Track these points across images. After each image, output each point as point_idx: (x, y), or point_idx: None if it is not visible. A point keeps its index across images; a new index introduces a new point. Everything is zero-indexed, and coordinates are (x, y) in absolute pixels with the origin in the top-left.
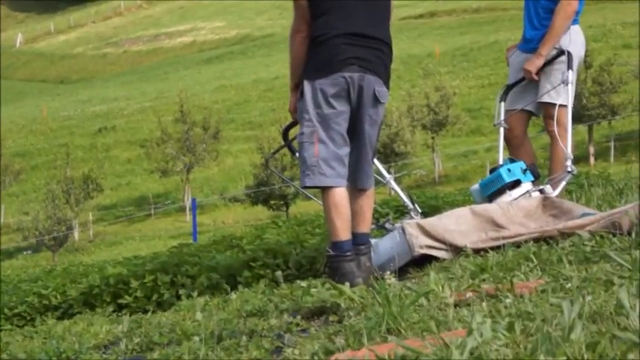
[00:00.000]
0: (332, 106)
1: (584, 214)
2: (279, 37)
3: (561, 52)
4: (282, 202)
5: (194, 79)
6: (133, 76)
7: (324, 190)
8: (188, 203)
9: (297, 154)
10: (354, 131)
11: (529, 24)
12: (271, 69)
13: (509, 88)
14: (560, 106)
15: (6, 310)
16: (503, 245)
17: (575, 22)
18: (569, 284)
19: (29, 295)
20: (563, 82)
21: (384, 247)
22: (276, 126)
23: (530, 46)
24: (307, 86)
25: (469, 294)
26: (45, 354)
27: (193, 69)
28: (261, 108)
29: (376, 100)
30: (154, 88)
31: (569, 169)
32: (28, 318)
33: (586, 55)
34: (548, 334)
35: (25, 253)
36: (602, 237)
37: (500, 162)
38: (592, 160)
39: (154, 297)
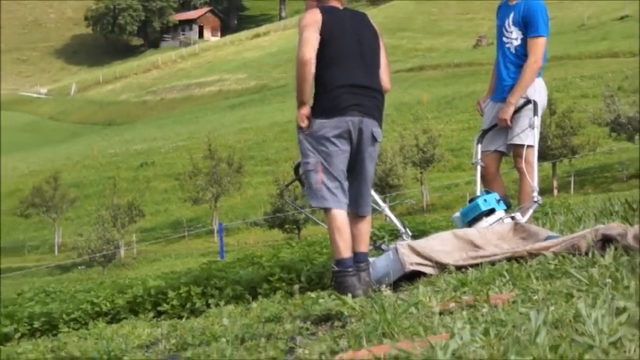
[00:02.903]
0: (335, 145)
1: (548, 237)
2: (292, 87)
3: (528, 101)
4: (294, 227)
5: (220, 122)
6: (168, 119)
7: (327, 213)
8: (216, 227)
9: (306, 186)
10: (356, 166)
11: (500, 77)
12: (285, 114)
13: (484, 132)
14: (528, 146)
15: (64, 316)
16: (481, 263)
17: (539, 75)
18: (536, 296)
19: (83, 303)
20: (530, 127)
21: (380, 264)
22: (289, 162)
23: (501, 96)
24: (314, 126)
25: (452, 304)
26: (97, 352)
27: (219, 114)
28: (277, 147)
29: (374, 139)
30: (187, 130)
31: (535, 200)
32: (83, 322)
33: (550, 104)
34: (517, 338)
35: (79, 268)
36: (563, 257)
37: (478, 194)
38: (555, 192)
39: (188, 305)
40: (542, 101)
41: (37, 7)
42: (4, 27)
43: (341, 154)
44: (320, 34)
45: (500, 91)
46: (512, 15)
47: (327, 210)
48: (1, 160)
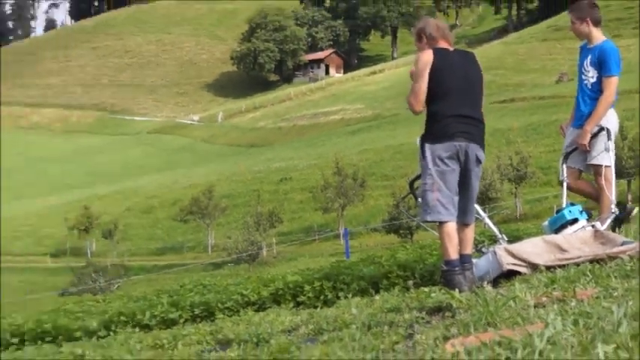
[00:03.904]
0: (446, 165)
1: (624, 243)
2: (402, 116)
3: (602, 129)
4: (408, 232)
5: (343, 145)
6: (300, 142)
7: (440, 223)
8: (342, 231)
9: (419, 199)
10: (464, 183)
11: (578, 108)
12: (397, 138)
13: (567, 154)
14: (606, 166)
15: (219, 304)
16: (567, 264)
17: (611, 107)
18: (616, 293)
19: (234, 294)
20: (605, 149)
21: (481, 264)
22: (404, 178)
23: (579, 123)
24: (428, 150)
25: (544, 298)
26: (248, 335)
27: (342, 138)
28: (393, 166)
29: (478, 161)
30: (316, 152)
31: (613, 211)
32: (235, 310)
33: (621, 130)
34: (602, 328)
35: (229, 265)
36: (638, 259)
37: (564, 205)
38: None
39: (321, 297)
40: (614, 128)
41: (192, 49)
42: (165, 65)
43: (453, 173)
44: (431, 72)
45: (579, 120)
46: (589, 57)
47: (441, 222)
48: (165, 174)
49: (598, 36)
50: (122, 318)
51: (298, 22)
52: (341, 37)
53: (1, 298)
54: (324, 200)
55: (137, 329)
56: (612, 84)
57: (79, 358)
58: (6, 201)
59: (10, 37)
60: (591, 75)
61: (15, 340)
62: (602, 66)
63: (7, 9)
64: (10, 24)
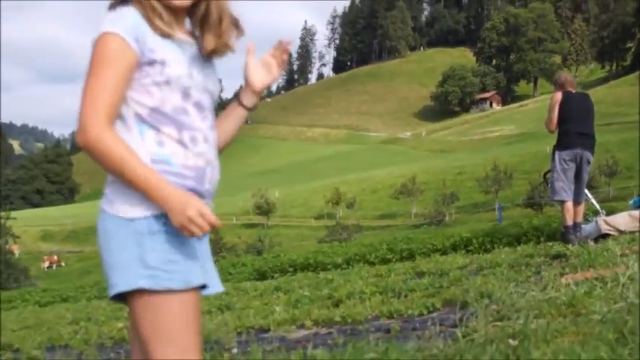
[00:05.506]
0: (567, 165)
1: None
2: (539, 134)
3: None
4: (539, 207)
5: (499, 152)
6: (472, 150)
7: (562, 202)
8: (497, 206)
9: (548, 185)
10: (578, 176)
11: None
12: (535, 147)
13: None
14: None
15: (418, 250)
16: None
17: None
18: None
19: (428, 244)
20: None
21: (587, 228)
22: (539, 172)
23: None
24: (557, 155)
25: (627, 250)
26: (435, 269)
27: (499, 147)
28: (530, 165)
29: (588, 162)
30: (482, 156)
31: None
32: (427, 254)
33: None
34: None
35: (424, 226)
36: None
37: None
38: None
39: (483, 247)
40: None
41: (406, 91)
42: (390, 101)
43: (571, 170)
44: (561, 105)
45: None
46: None
47: (562, 201)
48: (387, 169)
49: None
50: (357, 257)
51: (474, 74)
52: (501, 84)
53: None
54: (485, 186)
55: (366, 265)
56: None
57: (329, 281)
58: (290, 185)
59: (295, 84)
60: None
61: (290, 269)
62: None
63: (294, 67)
64: (296, 76)
